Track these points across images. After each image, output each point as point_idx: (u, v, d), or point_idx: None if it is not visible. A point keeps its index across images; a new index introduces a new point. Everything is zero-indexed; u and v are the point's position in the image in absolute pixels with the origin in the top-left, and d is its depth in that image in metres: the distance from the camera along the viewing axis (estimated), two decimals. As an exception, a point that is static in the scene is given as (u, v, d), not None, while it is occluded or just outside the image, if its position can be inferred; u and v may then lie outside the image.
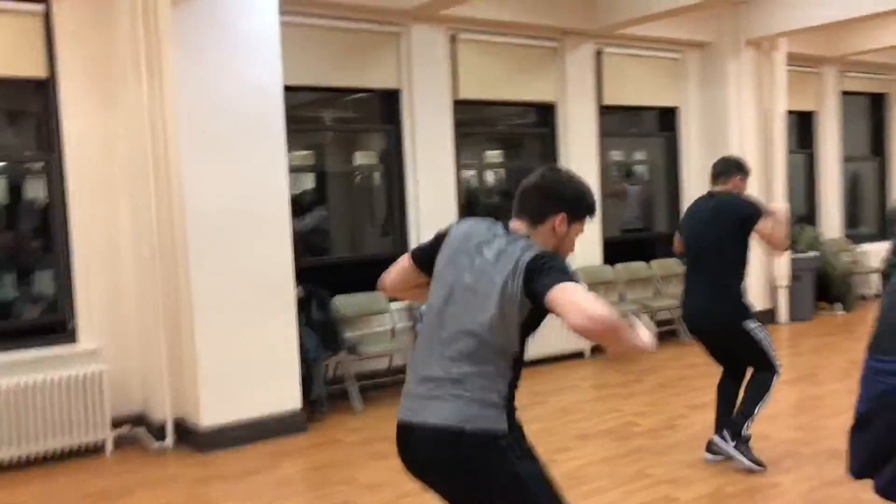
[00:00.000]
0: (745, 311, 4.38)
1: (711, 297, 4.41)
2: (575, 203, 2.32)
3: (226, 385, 5.18)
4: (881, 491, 2.72)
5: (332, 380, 6.16)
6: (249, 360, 5.25)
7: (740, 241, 4.38)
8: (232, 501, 4.37)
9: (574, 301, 1.98)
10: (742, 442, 4.34)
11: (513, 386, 2.21)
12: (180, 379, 5.28)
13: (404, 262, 2.51)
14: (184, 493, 4.55)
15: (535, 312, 2.14)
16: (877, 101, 11.02)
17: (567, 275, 2.08)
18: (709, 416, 4.78)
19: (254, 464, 4.88)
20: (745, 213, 4.34)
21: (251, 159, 5.26)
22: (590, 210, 2.36)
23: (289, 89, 5.50)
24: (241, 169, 5.21)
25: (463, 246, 2.32)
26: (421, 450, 2.22)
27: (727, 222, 4.36)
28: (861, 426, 2.73)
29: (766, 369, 4.38)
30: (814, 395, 6.06)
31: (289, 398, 5.43)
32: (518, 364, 2.22)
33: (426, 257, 2.41)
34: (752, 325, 4.36)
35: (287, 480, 4.68)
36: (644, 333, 2.06)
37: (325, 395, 5.84)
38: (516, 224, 2.32)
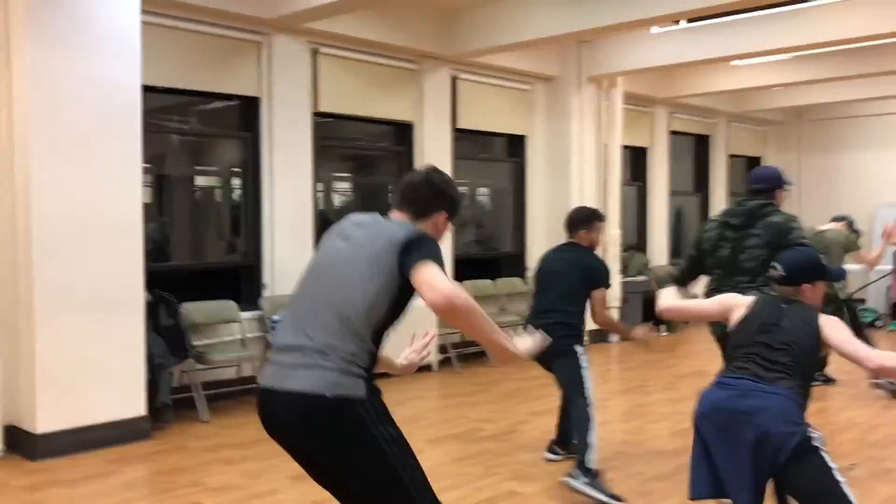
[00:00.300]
0: (578, 336, 4.65)
1: (557, 325, 4.56)
2: (455, 204, 2.57)
3: (65, 389, 4.96)
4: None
5: (179, 388, 6.01)
6: (92, 365, 5.06)
7: (585, 294, 4.68)
8: (72, 506, 4.21)
9: (431, 280, 2.18)
10: (593, 476, 4.42)
11: (374, 356, 2.35)
12: (14, 383, 5.00)
13: None
14: (15, 500, 4.31)
15: (405, 288, 2.30)
16: (701, 142, 12.08)
17: (434, 257, 2.26)
18: (550, 421, 5.11)
19: (94, 469, 4.70)
20: (592, 278, 4.65)
21: (105, 159, 5.10)
22: (459, 213, 2.61)
23: (146, 90, 5.41)
24: (94, 168, 5.05)
25: (338, 230, 2.49)
26: (283, 414, 2.34)
27: (577, 277, 4.66)
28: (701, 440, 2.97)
29: (580, 399, 4.52)
30: (642, 403, 6.55)
31: (133, 404, 5.27)
32: (381, 336, 2.37)
33: None
34: (580, 350, 4.62)
35: (131, 484, 4.54)
36: (521, 342, 2.32)
37: (170, 403, 5.70)
38: (398, 215, 2.48)
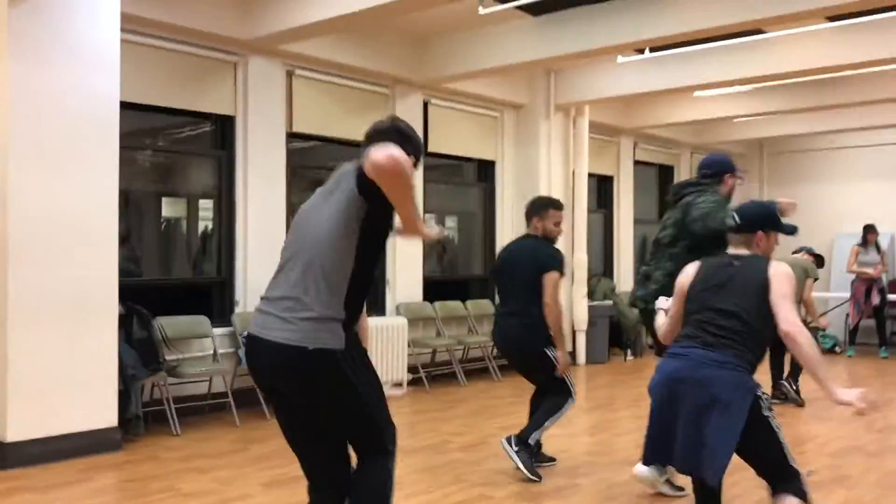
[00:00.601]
0: (547, 338, 4.75)
1: (518, 325, 4.80)
2: (420, 147, 2.77)
3: (37, 398, 4.96)
4: (679, 466, 3.12)
5: (149, 402, 6.02)
6: (65, 374, 5.07)
7: (541, 288, 4.74)
8: (43, 511, 4.20)
9: (382, 146, 2.33)
10: (525, 449, 4.67)
11: (352, 304, 2.49)
12: (-15, 391, 4.99)
13: None
14: (-15, 506, 4.30)
15: (372, 215, 2.44)
16: (665, 172, 12.38)
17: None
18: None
19: (65, 477, 4.70)
20: (540, 264, 4.72)
21: (83, 169, 5.17)
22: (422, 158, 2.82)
23: (124, 107, 5.49)
24: (72, 178, 5.12)
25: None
26: (266, 361, 2.52)
27: (530, 271, 4.74)
28: (657, 411, 3.12)
29: (564, 393, 4.80)
30: (608, 419, 6.67)
31: (105, 415, 5.27)
32: (357, 282, 2.49)
33: None
34: (551, 352, 4.74)
35: (102, 490, 4.54)
36: (429, 227, 2.51)
37: (141, 415, 5.70)
38: None
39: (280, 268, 2.60)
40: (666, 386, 3.03)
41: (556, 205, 4.96)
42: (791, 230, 3.33)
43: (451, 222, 9.87)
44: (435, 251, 9.29)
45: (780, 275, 3.03)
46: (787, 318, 2.92)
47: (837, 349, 11.14)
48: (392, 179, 2.32)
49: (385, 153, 2.29)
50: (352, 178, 2.45)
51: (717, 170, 4.51)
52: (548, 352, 4.75)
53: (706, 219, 4.22)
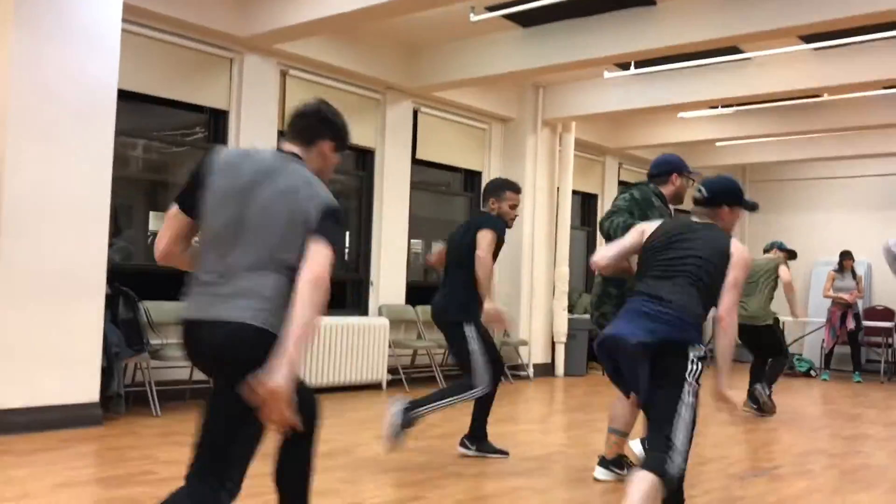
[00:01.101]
0: (464, 312, 4.68)
1: (447, 296, 4.79)
2: (342, 133, 2.61)
3: (22, 369, 5.05)
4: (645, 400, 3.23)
5: (131, 384, 6.10)
6: (51, 348, 5.16)
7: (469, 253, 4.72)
8: (23, 470, 4.26)
9: (313, 267, 2.21)
10: (483, 441, 4.95)
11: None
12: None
13: (171, 212, 2.48)
14: (-35, 467, 4.37)
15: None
16: (648, 195, 12.59)
17: (335, 235, 2.30)
18: (497, 428, 5.42)
19: (45, 444, 4.78)
20: (475, 230, 4.68)
21: (79, 151, 5.31)
22: (347, 143, 2.67)
23: (121, 96, 5.63)
24: (67, 158, 5.25)
25: (239, 177, 2.40)
26: (209, 342, 2.32)
27: (467, 244, 4.73)
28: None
29: (476, 381, 4.68)
30: (583, 420, 6.79)
31: (87, 390, 5.36)
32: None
33: (191, 199, 2.43)
34: (469, 331, 4.66)
35: (82, 456, 4.62)
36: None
37: (122, 394, 5.78)
38: (289, 146, 2.52)
39: (214, 258, 2.36)
40: (606, 355, 3.18)
41: (513, 187, 4.90)
42: (752, 206, 3.47)
43: (437, 246, 10.04)
44: (422, 261, 9.44)
45: (740, 259, 3.15)
46: (726, 306, 3.10)
47: (813, 373, 11.30)
48: (308, 297, 2.19)
49: (314, 275, 2.20)
50: (307, 217, 2.30)
51: (662, 169, 4.37)
52: (464, 326, 4.66)
53: (602, 224, 4.23)
